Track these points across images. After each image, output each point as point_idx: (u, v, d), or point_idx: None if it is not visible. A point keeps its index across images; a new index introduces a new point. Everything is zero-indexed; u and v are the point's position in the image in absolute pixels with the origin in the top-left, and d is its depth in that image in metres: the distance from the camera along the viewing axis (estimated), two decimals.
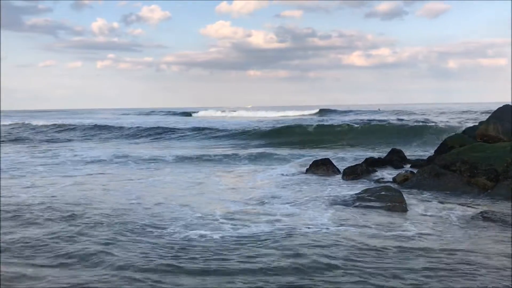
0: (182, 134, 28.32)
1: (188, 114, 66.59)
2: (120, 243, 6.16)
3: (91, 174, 12.83)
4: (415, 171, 11.41)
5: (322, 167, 12.65)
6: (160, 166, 14.60)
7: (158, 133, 29.00)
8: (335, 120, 33.16)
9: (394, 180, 10.89)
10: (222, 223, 7.26)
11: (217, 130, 28.56)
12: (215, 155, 17.23)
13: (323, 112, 53.64)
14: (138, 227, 7.00)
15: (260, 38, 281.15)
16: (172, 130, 29.80)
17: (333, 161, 13.26)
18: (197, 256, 5.64)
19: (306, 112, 55.62)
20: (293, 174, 12.54)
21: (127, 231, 6.77)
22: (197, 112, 67.09)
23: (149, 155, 17.47)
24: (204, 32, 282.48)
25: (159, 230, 6.80)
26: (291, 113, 57.20)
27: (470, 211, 7.92)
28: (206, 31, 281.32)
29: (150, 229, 6.88)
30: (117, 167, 14.51)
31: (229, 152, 18.37)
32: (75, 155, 17.80)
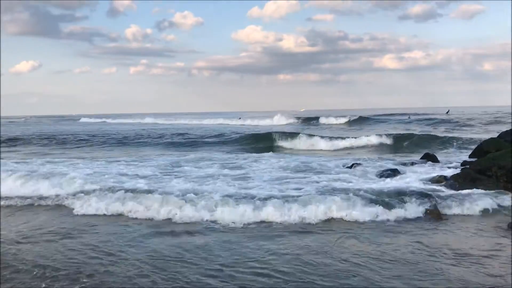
0: None
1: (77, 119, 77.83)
2: None
3: None
4: (449, 176, 11.24)
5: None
6: None
7: None
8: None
9: None
10: None
11: None
12: None
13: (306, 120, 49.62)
14: None
15: (291, 42, 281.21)
16: None
17: None
18: None
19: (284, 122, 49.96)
20: None
21: None
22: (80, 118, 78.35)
23: None
24: (235, 36, 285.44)
25: None
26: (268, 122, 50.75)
27: (508, 219, 7.79)
28: (238, 36, 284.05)
29: None
30: None
31: None
32: None
